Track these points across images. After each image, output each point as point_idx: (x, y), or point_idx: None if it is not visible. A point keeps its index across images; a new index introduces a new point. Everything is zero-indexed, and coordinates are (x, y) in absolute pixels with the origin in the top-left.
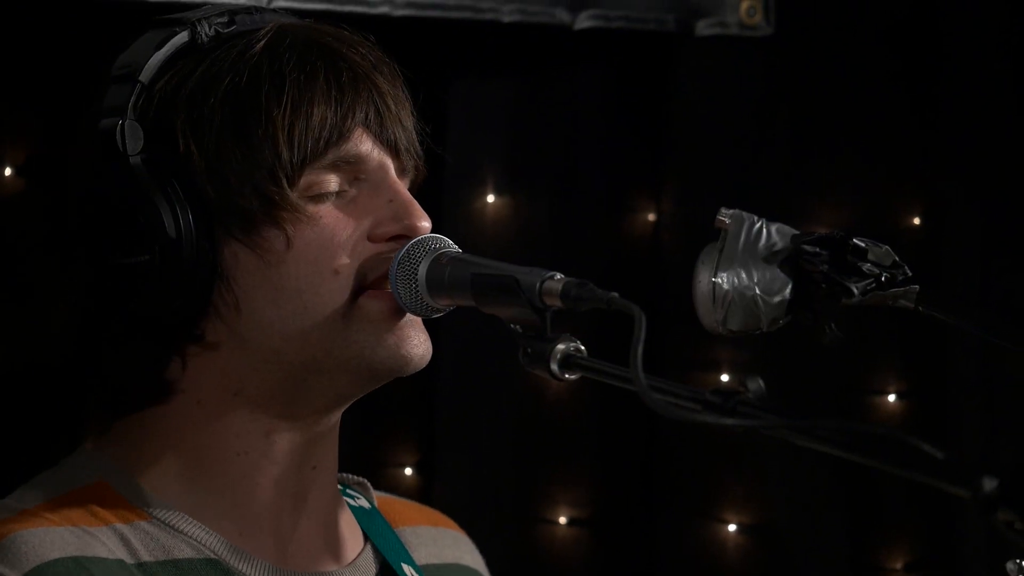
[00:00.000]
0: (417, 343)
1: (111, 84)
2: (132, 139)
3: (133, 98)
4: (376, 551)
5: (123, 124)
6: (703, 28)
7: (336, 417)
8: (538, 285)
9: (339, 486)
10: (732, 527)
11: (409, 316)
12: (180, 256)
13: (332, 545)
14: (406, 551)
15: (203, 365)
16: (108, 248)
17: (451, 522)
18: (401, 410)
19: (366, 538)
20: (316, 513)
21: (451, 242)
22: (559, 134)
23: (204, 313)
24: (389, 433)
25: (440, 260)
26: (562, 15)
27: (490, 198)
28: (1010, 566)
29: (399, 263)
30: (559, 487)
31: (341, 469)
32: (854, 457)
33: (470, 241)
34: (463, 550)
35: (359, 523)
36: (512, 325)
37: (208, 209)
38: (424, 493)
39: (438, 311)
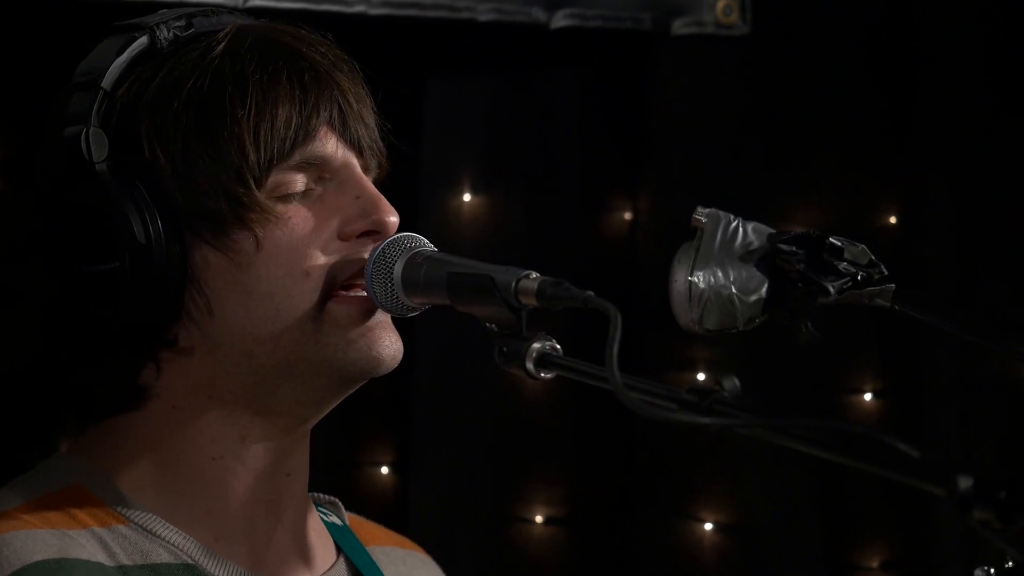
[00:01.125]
0: (388, 343)
1: (73, 91)
2: (97, 146)
3: (96, 105)
4: (349, 564)
5: (87, 132)
6: (679, 27)
7: (310, 425)
8: (514, 284)
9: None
10: (708, 526)
11: (379, 317)
12: (150, 262)
13: (305, 554)
14: (378, 568)
15: (177, 370)
16: (77, 256)
17: (419, 547)
18: (378, 409)
19: (339, 551)
20: (289, 521)
21: (427, 241)
22: (535, 133)
23: (176, 318)
24: (366, 432)
25: (415, 259)
26: (538, 14)
27: (466, 197)
28: (978, 573)
29: (374, 262)
30: (536, 486)
31: (318, 467)
32: (830, 456)
33: (446, 240)
34: (431, 573)
35: (333, 537)
36: (488, 324)
37: (176, 213)
38: (401, 492)
39: (413, 310)
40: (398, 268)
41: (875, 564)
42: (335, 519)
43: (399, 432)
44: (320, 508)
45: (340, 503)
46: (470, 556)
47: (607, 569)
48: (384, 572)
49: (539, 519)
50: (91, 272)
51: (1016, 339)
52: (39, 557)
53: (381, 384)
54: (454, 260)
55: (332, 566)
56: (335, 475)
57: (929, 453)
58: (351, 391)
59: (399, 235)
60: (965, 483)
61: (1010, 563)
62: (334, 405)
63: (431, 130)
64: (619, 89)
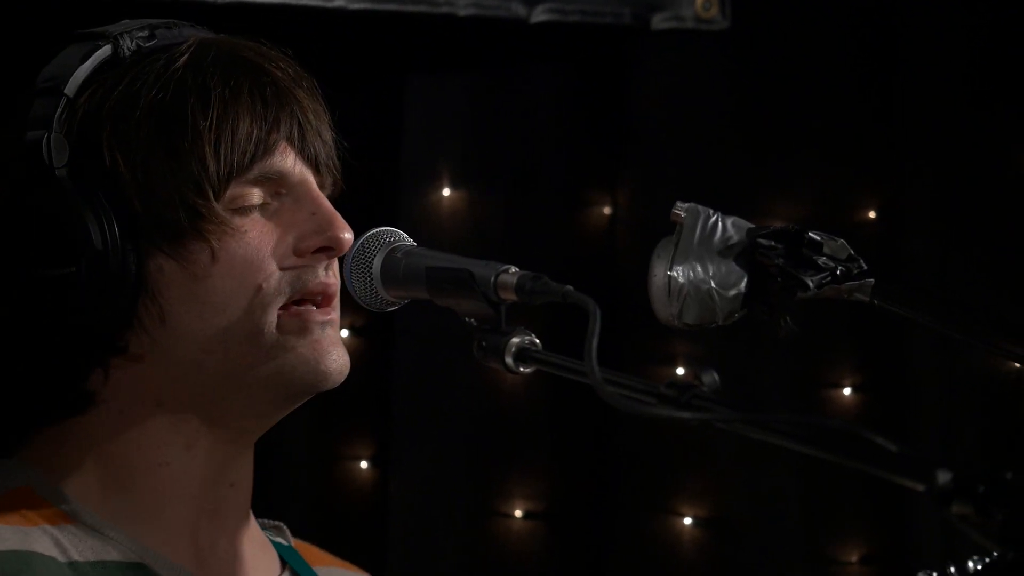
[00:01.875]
0: (335, 358)
1: (36, 97)
2: (58, 152)
3: (59, 111)
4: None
5: (49, 137)
6: (659, 22)
7: (255, 436)
8: (493, 278)
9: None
10: (687, 520)
11: (327, 332)
12: (106, 268)
13: (249, 564)
14: None
15: (125, 376)
16: (33, 260)
17: (364, 571)
18: (357, 404)
19: (284, 564)
20: (233, 532)
21: (406, 236)
22: (515, 128)
23: (129, 325)
24: (345, 427)
25: (395, 253)
26: (518, 9)
27: (446, 192)
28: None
29: (354, 256)
30: (515, 480)
31: (298, 462)
32: (809, 451)
33: (425, 235)
34: None
35: (279, 553)
36: (467, 319)
37: (134, 222)
38: (380, 486)
39: (392, 304)
40: (377, 262)
41: (854, 558)
42: (281, 540)
43: (379, 427)
44: (265, 532)
45: (285, 527)
46: (450, 550)
47: (586, 563)
48: None
49: (518, 513)
50: (46, 276)
51: (995, 333)
52: (1, 548)
53: (361, 379)
54: (433, 255)
55: None
56: (315, 469)
57: (908, 448)
58: (297, 405)
59: (378, 230)
60: (943, 477)
61: (971, 563)
62: (279, 418)
63: (411, 125)
64: (599, 84)
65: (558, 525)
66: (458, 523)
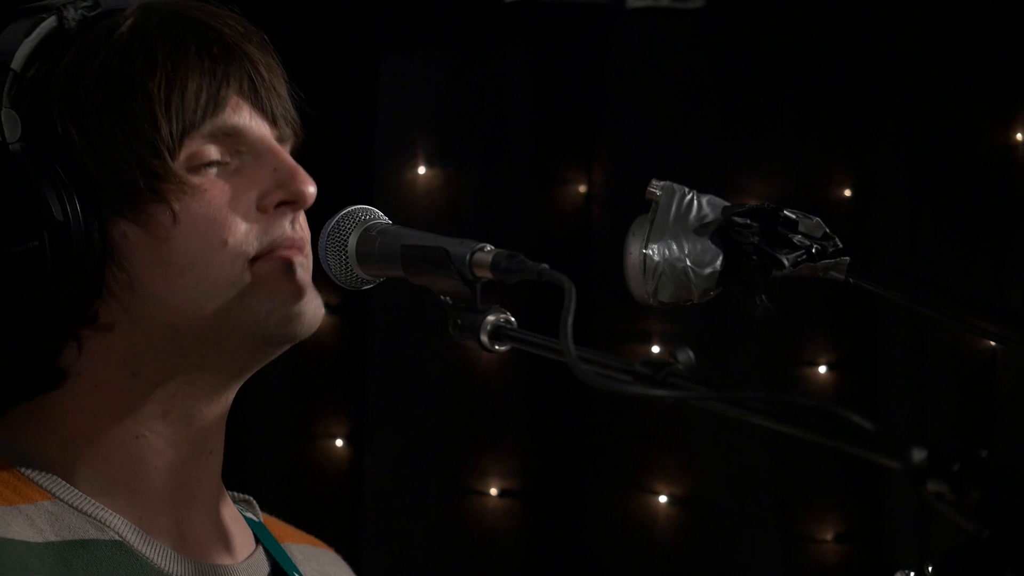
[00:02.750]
0: (308, 300)
1: None
2: (10, 127)
3: (7, 86)
4: (268, 555)
5: (0, 113)
6: (634, 0)
7: (231, 394)
8: (468, 256)
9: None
10: (663, 499)
11: (300, 275)
12: (69, 239)
13: (225, 538)
14: (293, 563)
15: (99, 347)
16: None
17: (329, 546)
18: (332, 382)
19: (257, 542)
20: (209, 504)
21: (381, 214)
22: (490, 106)
23: (97, 295)
24: (320, 405)
25: (370, 232)
26: None
27: (421, 170)
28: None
29: (328, 234)
30: (490, 458)
31: (273, 440)
32: (784, 429)
33: (400, 213)
34: (342, 571)
35: (251, 529)
36: (442, 297)
37: (93, 190)
38: (355, 465)
39: (368, 282)
40: (352, 241)
41: (829, 536)
42: (251, 515)
43: (353, 405)
44: (236, 505)
45: (254, 501)
46: (424, 528)
47: (561, 542)
48: (299, 568)
49: (493, 491)
50: (8, 253)
51: (969, 312)
52: None
53: (336, 357)
54: (408, 233)
55: (252, 554)
56: (290, 448)
57: (883, 425)
58: (274, 356)
59: (353, 208)
60: (919, 455)
61: (930, 568)
62: (253, 372)
63: (385, 103)
64: (573, 62)
65: (533, 503)
66: (433, 501)
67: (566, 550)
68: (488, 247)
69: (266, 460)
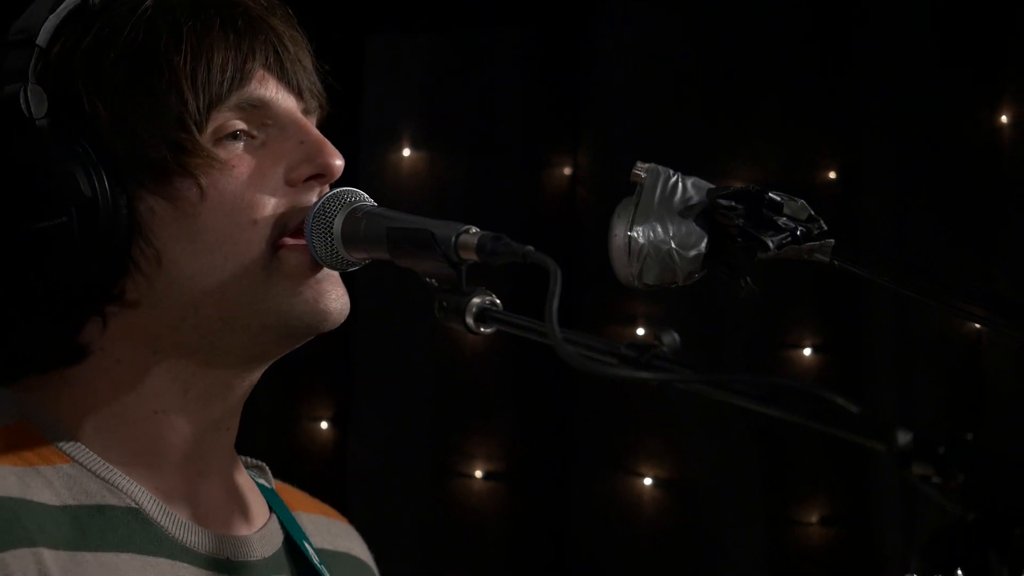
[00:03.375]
0: (335, 297)
1: (9, 49)
2: (36, 103)
3: (33, 62)
4: (280, 524)
5: (26, 89)
6: None
7: (253, 379)
8: (453, 239)
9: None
10: (648, 481)
11: (327, 271)
12: (97, 214)
13: (241, 508)
14: (304, 533)
15: (122, 324)
16: (22, 214)
17: (342, 516)
18: (318, 364)
19: (270, 511)
20: (225, 476)
21: (367, 196)
22: (475, 89)
23: (124, 271)
24: (306, 387)
25: (355, 214)
26: None
27: (406, 152)
28: None
29: (314, 217)
30: (475, 441)
31: (258, 422)
32: (769, 411)
33: (386, 195)
34: (353, 542)
35: (264, 497)
36: (428, 279)
37: (119, 165)
38: (340, 447)
39: (353, 265)
40: (338, 223)
41: (814, 519)
42: (263, 482)
43: (339, 387)
44: (249, 471)
45: (267, 467)
46: (410, 511)
47: (547, 524)
48: (310, 538)
49: (479, 474)
50: (37, 229)
51: (953, 295)
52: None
53: (320, 339)
54: (394, 215)
55: (265, 524)
56: (275, 430)
57: (868, 408)
58: (295, 346)
59: (339, 190)
60: (904, 438)
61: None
62: (275, 359)
63: (372, 86)
64: (559, 45)
65: (518, 486)
66: (418, 484)
67: (551, 532)
68: (473, 229)
69: (251, 442)
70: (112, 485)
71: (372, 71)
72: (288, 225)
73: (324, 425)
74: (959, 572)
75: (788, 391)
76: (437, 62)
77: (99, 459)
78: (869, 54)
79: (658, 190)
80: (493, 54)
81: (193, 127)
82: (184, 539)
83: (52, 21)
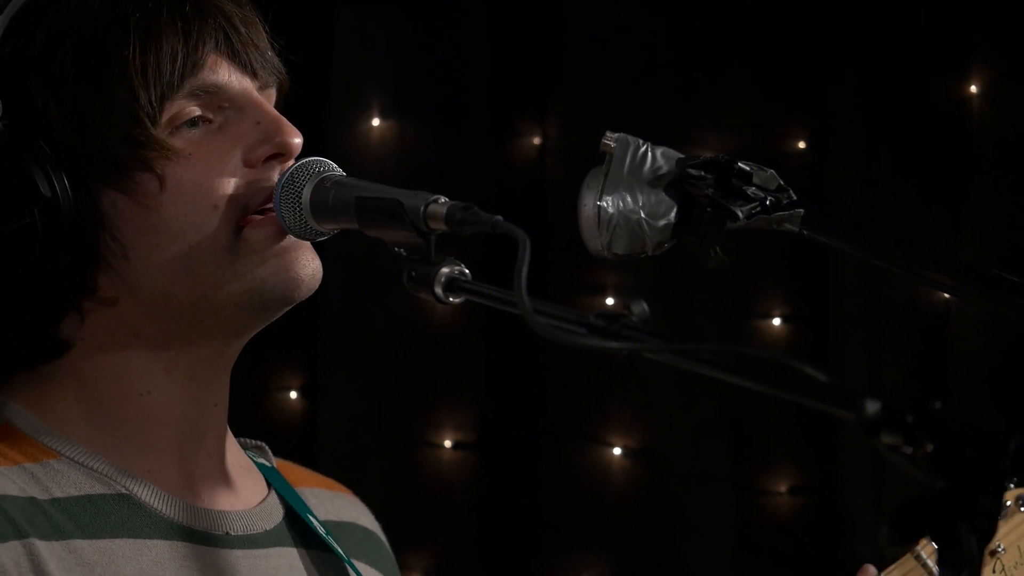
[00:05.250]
0: (304, 263)
1: None
2: None
3: None
4: (281, 499)
5: None
6: None
7: (235, 351)
8: (422, 208)
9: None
10: (617, 450)
11: (294, 240)
12: (59, 214)
13: (235, 485)
14: (307, 506)
15: (100, 315)
16: None
17: (347, 489)
18: (286, 334)
19: (269, 487)
20: (217, 453)
21: (335, 166)
22: (445, 58)
23: (95, 266)
24: (274, 357)
25: (324, 183)
26: None
27: (375, 122)
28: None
29: (283, 187)
30: (444, 411)
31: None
32: (738, 381)
33: (355, 165)
34: (360, 512)
35: (263, 475)
36: (396, 249)
37: (78, 163)
38: (309, 417)
39: (322, 235)
40: (306, 193)
41: (783, 488)
42: (264, 461)
43: (308, 357)
44: (248, 452)
45: (267, 447)
46: (379, 481)
47: (516, 494)
48: (314, 511)
49: (448, 444)
50: (1, 233)
51: (922, 264)
52: None
53: (290, 310)
54: (363, 185)
55: (264, 499)
56: (244, 400)
57: (837, 378)
58: (273, 318)
59: (308, 160)
60: (872, 407)
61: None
62: (258, 330)
63: (341, 55)
64: (528, 14)
65: (488, 455)
66: (388, 454)
67: (521, 502)
68: (442, 199)
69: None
70: (101, 474)
71: (341, 41)
72: (250, 205)
73: (293, 395)
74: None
75: (757, 360)
76: (407, 32)
77: (86, 451)
78: (838, 23)
79: (627, 160)
80: (462, 24)
81: (146, 120)
82: (178, 518)
83: (2, 20)
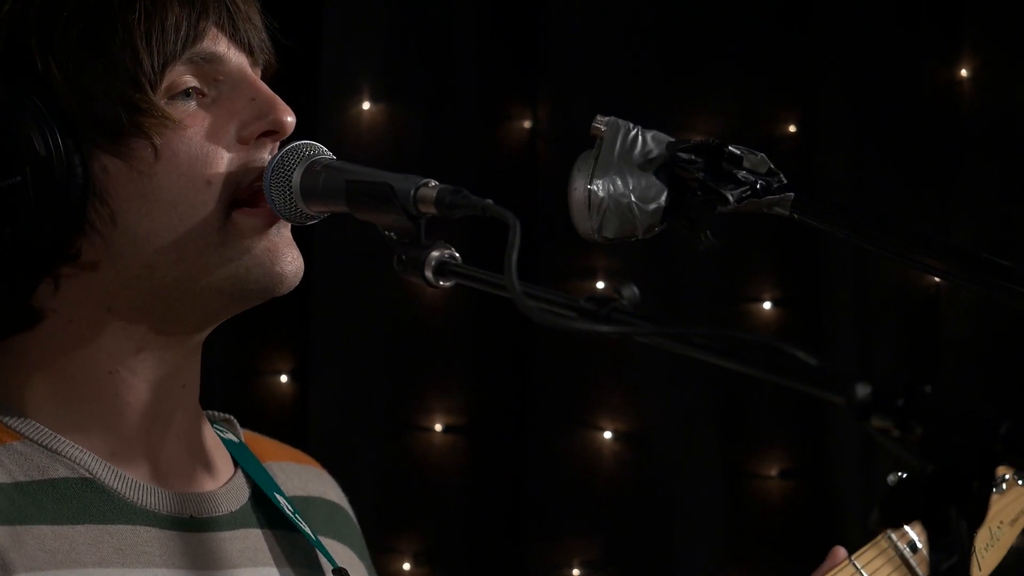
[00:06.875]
0: (289, 260)
1: None
2: None
3: None
4: (248, 478)
5: None
6: None
7: (204, 335)
8: (412, 192)
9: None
10: (607, 434)
11: (283, 233)
12: (52, 174)
13: (204, 466)
14: (275, 483)
15: (76, 285)
16: None
17: (314, 460)
18: (276, 318)
19: (236, 465)
20: (185, 433)
21: (325, 149)
22: (434, 42)
23: (80, 231)
24: (264, 341)
25: (314, 167)
26: None
27: (365, 105)
28: (891, 478)
29: (273, 170)
30: (434, 394)
31: (217, 377)
32: (729, 364)
33: (345, 149)
34: (327, 486)
35: (230, 452)
36: (387, 232)
37: (74, 124)
38: (299, 401)
39: (312, 218)
40: (297, 176)
41: (773, 472)
42: (231, 436)
43: (298, 341)
44: (216, 425)
45: (235, 420)
46: (369, 465)
47: (506, 478)
48: (281, 487)
49: (438, 427)
50: None
51: (912, 247)
52: None
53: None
54: (352, 168)
55: (230, 479)
56: (234, 384)
57: (827, 362)
58: (249, 307)
59: (298, 143)
60: (863, 391)
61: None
62: (229, 317)
63: (330, 39)
64: None
65: (478, 440)
66: (377, 438)
67: (511, 486)
68: (432, 182)
69: (210, 397)
70: (64, 457)
71: (331, 23)
72: (241, 184)
73: (284, 379)
74: (918, 525)
75: (747, 344)
76: (397, 14)
77: (50, 432)
78: (828, 7)
79: (618, 143)
80: (453, 6)
81: (147, 86)
82: (142, 502)
83: None
